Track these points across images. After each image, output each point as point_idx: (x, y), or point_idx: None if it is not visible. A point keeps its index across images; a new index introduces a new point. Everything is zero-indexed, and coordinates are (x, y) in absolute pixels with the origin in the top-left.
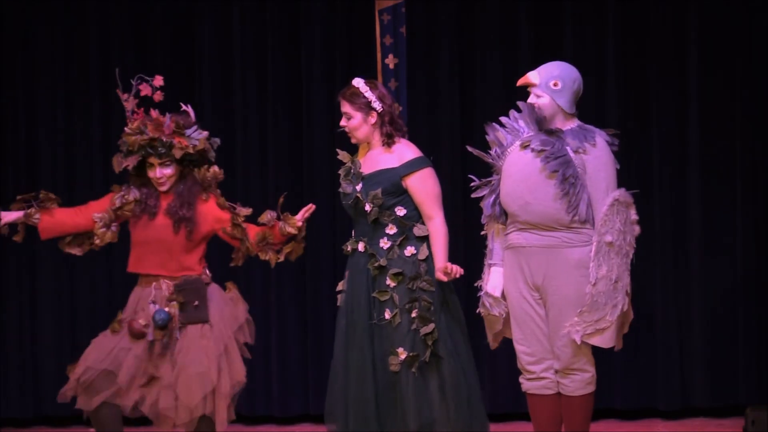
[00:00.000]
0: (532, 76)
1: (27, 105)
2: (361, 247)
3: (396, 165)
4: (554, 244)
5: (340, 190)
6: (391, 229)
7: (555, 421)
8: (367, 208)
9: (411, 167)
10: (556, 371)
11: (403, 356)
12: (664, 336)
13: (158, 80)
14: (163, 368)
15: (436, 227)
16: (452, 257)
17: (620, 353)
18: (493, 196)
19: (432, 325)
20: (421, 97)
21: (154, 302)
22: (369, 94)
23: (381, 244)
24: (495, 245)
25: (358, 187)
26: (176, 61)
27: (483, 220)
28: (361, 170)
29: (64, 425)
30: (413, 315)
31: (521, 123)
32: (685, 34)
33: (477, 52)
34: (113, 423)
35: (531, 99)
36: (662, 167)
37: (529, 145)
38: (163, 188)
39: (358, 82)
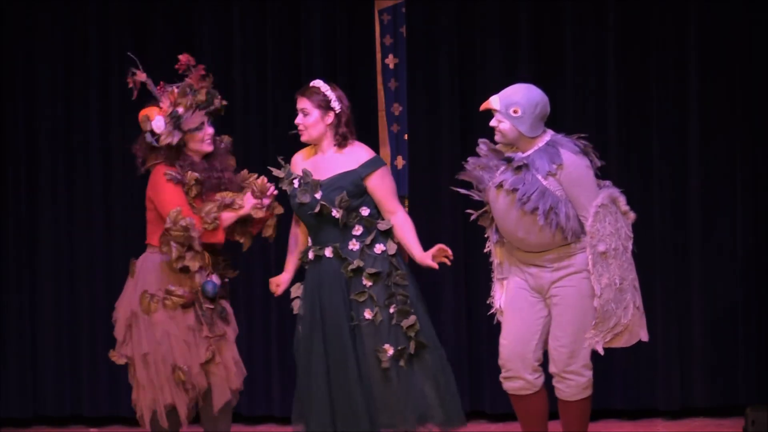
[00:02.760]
0: (494, 101)
1: (27, 105)
2: (328, 252)
3: (354, 167)
4: (556, 257)
5: (297, 200)
6: (358, 230)
7: (539, 419)
8: (336, 213)
9: (370, 167)
10: (553, 374)
11: (390, 352)
12: (664, 336)
13: (141, 76)
14: (222, 341)
15: (402, 219)
16: (453, 256)
17: (620, 353)
18: (494, 224)
19: (413, 317)
20: (421, 97)
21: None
22: (329, 93)
23: (350, 247)
24: (504, 259)
25: (318, 195)
26: (176, 61)
27: (489, 247)
28: (315, 178)
29: (64, 425)
30: (391, 311)
31: (493, 159)
32: (685, 33)
33: (477, 52)
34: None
35: (493, 123)
36: (662, 167)
37: (503, 186)
38: (211, 147)
39: (318, 82)
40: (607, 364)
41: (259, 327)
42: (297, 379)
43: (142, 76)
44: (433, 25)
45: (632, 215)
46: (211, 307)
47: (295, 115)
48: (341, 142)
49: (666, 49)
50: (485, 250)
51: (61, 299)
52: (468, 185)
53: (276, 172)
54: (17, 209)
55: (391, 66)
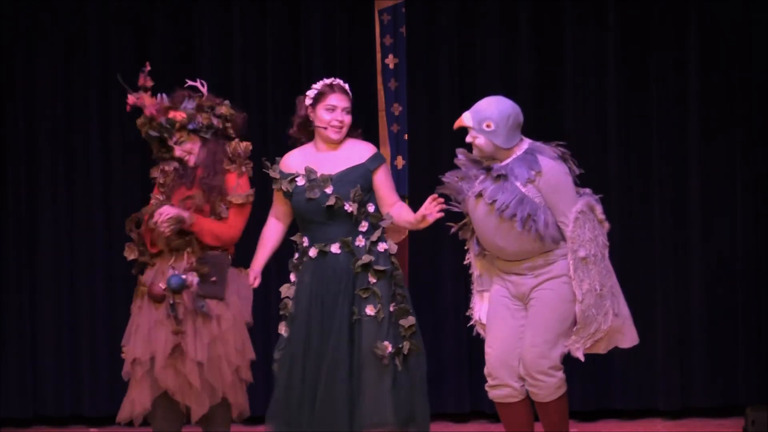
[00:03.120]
0: (466, 119)
1: (27, 105)
2: (335, 248)
3: (361, 161)
4: (537, 265)
5: (306, 197)
6: (364, 227)
7: (524, 426)
8: (349, 207)
9: (376, 161)
10: (524, 376)
11: (389, 349)
12: (664, 336)
13: (146, 67)
14: (189, 338)
15: (401, 204)
16: (451, 257)
17: (620, 353)
18: (475, 235)
19: (412, 318)
20: (421, 97)
21: (173, 267)
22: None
23: (356, 243)
24: (485, 271)
25: (329, 190)
26: (176, 62)
27: (469, 259)
28: (324, 173)
29: (64, 425)
30: (392, 309)
31: (471, 169)
32: (685, 33)
33: (477, 52)
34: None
35: (468, 139)
36: (662, 167)
37: (482, 195)
38: (190, 164)
39: (341, 81)
40: (607, 364)
41: (258, 327)
42: (278, 379)
43: (131, 98)
44: (433, 25)
45: (607, 225)
46: (178, 302)
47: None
48: (351, 135)
49: (666, 49)
50: (465, 262)
51: (61, 299)
52: (447, 199)
53: (272, 173)
54: (17, 209)
55: (391, 66)
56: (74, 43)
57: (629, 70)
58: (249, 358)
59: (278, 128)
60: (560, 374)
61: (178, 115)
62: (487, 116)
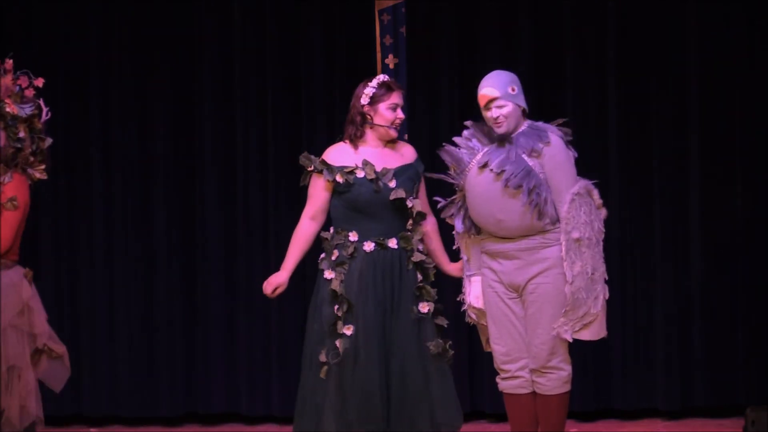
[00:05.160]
0: (491, 91)
1: None
2: (392, 243)
3: (410, 161)
4: (531, 247)
5: (372, 188)
6: (410, 224)
7: (531, 420)
8: (410, 203)
9: (421, 164)
10: (532, 370)
11: (440, 348)
12: (664, 336)
13: (39, 81)
14: None
15: (435, 224)
16: (451, 258)
17: (620, 353)
18: (462, 212)
19: (444, 318)
20: (421, 97)
21: None
22: None
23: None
24: (472, 255)
25: (393, 184)
26: (176, 62)
27: (457, 240)
28: (385, 166)
29: (64, 425)
30: (430, 309)
31: (474, 141)
32: (684, 32)
33: (477, 52)
34: None
35: (494, 113)
36: (662, 167)
37: (487, 166)
38: None
39: None
40: (607, 364)
41: (259, 327)
42: (354, 384)
43: (8, 62)
44: (433, 25)
45: (604, 210)
46: None
47: (296, 115)
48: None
49: (666, 49)
50: (454, 247)
51: (61, 299)
52: (445, 168)
53: (316, 165)
54: None
55: (391, 66)
56: (74, 43)
57: (629, 69)
58: (8, 365)
59: (277, 128)
60: (569, 368)
61: (10, 107)
62: (509, 81)
